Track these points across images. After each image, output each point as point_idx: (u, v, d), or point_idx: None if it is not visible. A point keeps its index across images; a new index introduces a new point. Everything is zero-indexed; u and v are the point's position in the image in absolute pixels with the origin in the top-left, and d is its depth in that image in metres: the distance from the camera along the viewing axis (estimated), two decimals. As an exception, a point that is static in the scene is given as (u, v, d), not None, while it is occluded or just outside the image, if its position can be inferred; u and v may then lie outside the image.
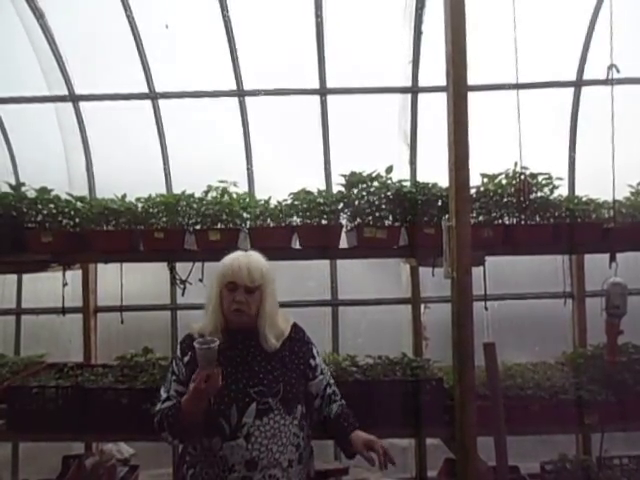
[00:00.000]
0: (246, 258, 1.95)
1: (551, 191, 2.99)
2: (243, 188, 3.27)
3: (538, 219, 2.95)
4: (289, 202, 2.98)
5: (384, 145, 3.87)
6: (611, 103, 2.75)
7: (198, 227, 2.95)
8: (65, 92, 3.85)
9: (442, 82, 2.53)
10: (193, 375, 1.74)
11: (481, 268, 2.77)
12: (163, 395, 1.93)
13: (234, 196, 3.03)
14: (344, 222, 2.98)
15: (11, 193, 3.06)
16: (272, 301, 1.97)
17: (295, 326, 2.08)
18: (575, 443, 3.51)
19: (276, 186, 3.25)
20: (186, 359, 1.92)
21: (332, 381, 2.12)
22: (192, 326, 2.01)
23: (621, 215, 3.00)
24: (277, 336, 1.95)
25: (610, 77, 2.77)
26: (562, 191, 3.07)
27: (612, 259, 2.90)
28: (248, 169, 3.92)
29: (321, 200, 2.93)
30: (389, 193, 2.88)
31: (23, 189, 3.09)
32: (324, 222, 2.92)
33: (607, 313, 2.73)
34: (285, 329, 2.00)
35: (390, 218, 2.90)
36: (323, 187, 3.64)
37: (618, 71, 2.78)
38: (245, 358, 1.91)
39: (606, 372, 2.89)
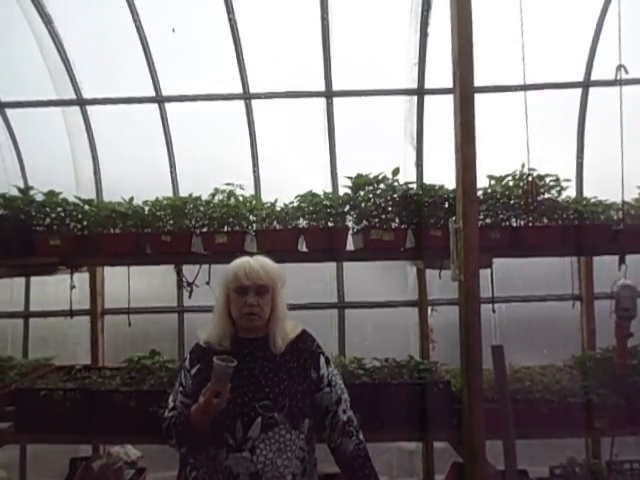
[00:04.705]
0: (254, 260, 1.92)
1: (559, 193, 2.97)
2: (249, 191, 3.28)
3: (546, 221, 2.93)
4: (295, 204, 2.98)
5: (390, 147, 3.87)
6: (619, 104, 2.73)
7: (205, 230, 2.96)
8: (73, 96, 3.89)
9: (448, 84, 2.54)
10: (204, 389, 1.72)
11: (488, 270, 2.75)
12: (170, 404, 1.92)
13: (240, 199, 3.04)
14: (350, 224, 2.97)
15: (19, 196, 3.08)
16: (283, 304, 1.94)
17: (304, 334, 1.99)
18: (585, 447, 3.48)
19: (282, 189, 3.25)
20: (193, 371, 1.88)
21: (345, 397, 1.95)
22: (199, 335, 1.96)
23: (630, 217, 2.98)
24: (284, 339, 1.91)
25: (618, 78, 2.75)
26: (570, 193, 3.06)
27: (621, 261, 2.87)
28: (254, 172, 3.93)
29: (327, 202, 2.93)
30: (395, 195, 2.88)
31: (31, 192, 3.12)
32: (330, 224, 2.92)
33: (617, 316, 2.71)
34: (291, 332, 1.95)
35: (397, 220, 2.89)
36: (329, 189, 3.64)
37: (626, 72, 2.76)
38: (252, 370, 1.84)
39: (616, 375, 2.86)
